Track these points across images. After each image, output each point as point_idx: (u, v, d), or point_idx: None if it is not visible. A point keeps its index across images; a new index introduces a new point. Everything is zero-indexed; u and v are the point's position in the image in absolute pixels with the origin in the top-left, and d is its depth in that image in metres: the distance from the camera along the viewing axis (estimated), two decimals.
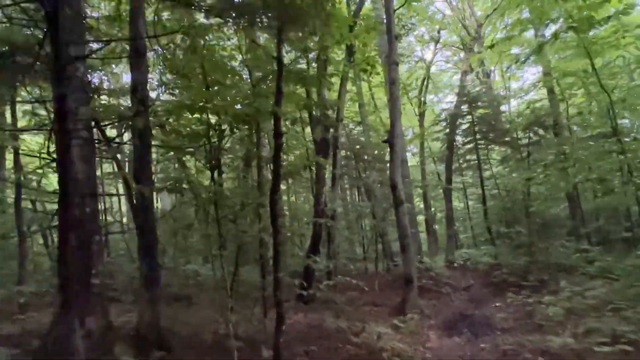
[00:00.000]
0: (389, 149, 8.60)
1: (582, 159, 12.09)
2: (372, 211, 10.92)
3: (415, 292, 8.06)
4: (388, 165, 8.78)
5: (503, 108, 15.84)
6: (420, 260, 11.75)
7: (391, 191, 8.35)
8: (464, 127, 14.61)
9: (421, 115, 17.75)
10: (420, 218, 18.41)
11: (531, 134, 14.10)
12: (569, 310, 6.55)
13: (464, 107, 14.29)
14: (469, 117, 14.68)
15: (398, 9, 12.51)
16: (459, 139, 15.28)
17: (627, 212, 15.23)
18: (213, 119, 6.06)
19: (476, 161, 14.24)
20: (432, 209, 22.86)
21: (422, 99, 17.32)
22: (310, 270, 8.21)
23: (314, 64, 9.15)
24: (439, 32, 18.43)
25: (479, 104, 14.06)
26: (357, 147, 11.88)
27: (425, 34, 18.34)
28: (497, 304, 8.32)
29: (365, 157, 11.40)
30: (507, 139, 14.22)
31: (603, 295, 6.92)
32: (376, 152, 12.57)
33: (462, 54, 18.38)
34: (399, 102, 9.10)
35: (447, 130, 14.92)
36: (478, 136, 14.00)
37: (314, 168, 9.64)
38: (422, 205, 19.00)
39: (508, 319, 7.06)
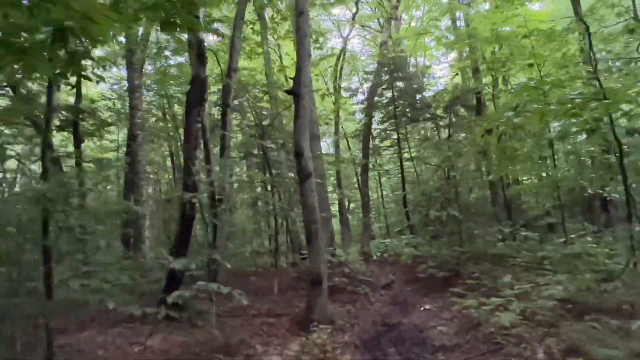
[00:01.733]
0: (293, 104, 6.29)
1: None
2: (277, 188, 8.52)
3: (324, 295, 5.89)
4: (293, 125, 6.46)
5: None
6: (332, 253, 9.74)
7: (295, 159, 6.09)
8: (384, 99, 12.89)
9: (336, 90, 15.81)
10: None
11: (452, 115, 12.88)
12: (528, 317, 4.84)
13: (385, 77, 12.55)
14: (388, 92, 13.05)
15: None
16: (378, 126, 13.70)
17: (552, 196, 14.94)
18: None
19: (396, 140, 12.63)
20: (346, 200, 21.43)
21: (339, 70, 15.36)
22: (177, 273, 5.65)
23: None
24: (356, 3, 16.66)
25: (400, 74, 12.41)
26: (260, 111, 9.40)
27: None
28: (427, 307, 6.50)
29: (266, 123, 8.96)
30: (427, 115, 12.82)
31: (558, 294, 5.38)
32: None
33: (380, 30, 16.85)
34: (308, 39, 6.83)
35: (365, 103, 13.11)
36: (398, 111, 12.36)
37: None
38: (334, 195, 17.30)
39: (447, 331, 5.18)
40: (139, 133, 10.36)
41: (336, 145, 17.48)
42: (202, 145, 6.81)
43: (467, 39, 11.25)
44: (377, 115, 14.25)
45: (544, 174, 12.52)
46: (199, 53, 5.26)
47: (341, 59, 15.73)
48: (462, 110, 13.72)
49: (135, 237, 10.56)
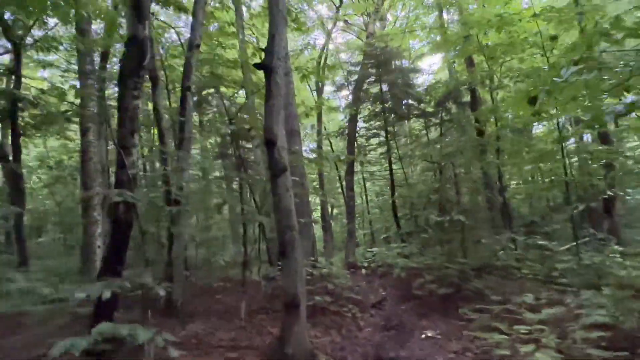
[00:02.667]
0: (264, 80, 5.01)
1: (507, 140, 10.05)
2: (250, 188, 7.18)
3: (302, 322, 4.60)
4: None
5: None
6: (313, 264, 8.47)
7: (266, 149, 4.81)
8: (371, 95, 11.73)
9: (320, 87, 14.63)
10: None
11: (443, 114, 11.83)
12: (571, 356, 3.67)
13: (372, 70, 11.41)
14: (375, 88, 11.91)
15: None
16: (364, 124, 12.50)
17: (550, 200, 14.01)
18: None
19: (383, 139, 11.48)
20: (329, 205, 20.21)
21: (322, 63, 14.17)
22: (110, 297, 4.25)
23: None
24: None
25: (389, 67, 11.28)
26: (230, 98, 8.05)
27: None
28: (429, 334, 5.28)
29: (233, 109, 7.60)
30: (417, 112, 11.72)
31: (601, 319, 4.25)
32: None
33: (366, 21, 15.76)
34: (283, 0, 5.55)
35: (351, 97, 11.93)
36: (388, 105, 11.22)
37: None
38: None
39: None
40: (89, 126, 8.91)
41: (319, 145, 16.30)
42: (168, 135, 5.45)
43: (462, 28, 10.23)
44: (363, 113, 13.12)
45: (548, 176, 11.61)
46: (135, 4, 3.94)
47: (324, 53, 14.57)
48: (454, 107, 12.71)
49: (84, 247, 9.09)
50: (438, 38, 12.98)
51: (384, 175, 21.32)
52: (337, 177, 19.59)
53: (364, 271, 8.43)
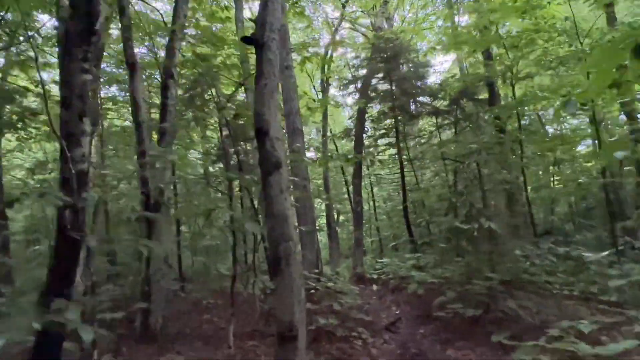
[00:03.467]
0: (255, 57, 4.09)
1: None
2: (247, 190, 6.24)
3: (301, 356, 3.63)
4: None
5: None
6: (317, 277, 7.53)
7: (256, 141, 3.89)
8: (379, 92, 10.82)
9: (326, 84, 13.76)
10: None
11: (458, 112, 10.88)
12: None
13: (380, 65, 10.50)
14: (384, 85, 11.00)
15: None
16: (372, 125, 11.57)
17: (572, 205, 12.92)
18: None
19: (394, 137, 10.54)
20: (334, 211, 19.28)
21: (328, 58, 13.30)
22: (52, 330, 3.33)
23: None
24: None
25: (401, 61, 10.37)
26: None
27: None
28: None
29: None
30: (428, 109, 10.76)
31: None
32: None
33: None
34: None
35: (358, 96, 11.02)
36: (398, 102, 10.29)
37: None
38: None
39: None
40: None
41: (324, 147, 15.38)
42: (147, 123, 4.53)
43: (479, 19, 9.30)
44: (371, 112, 12.21)
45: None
46: None
47: (330, 47, 13.70)
48: (470, 104, 11.76)
49: None
50: (446, 39, 12.10)
51: (392, 179, 20.44)
52: (344, 182, 18.69)
53: (375, 287, 7.43)
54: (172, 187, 6.05)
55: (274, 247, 3.70)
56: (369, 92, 11.01)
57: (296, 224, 8.31)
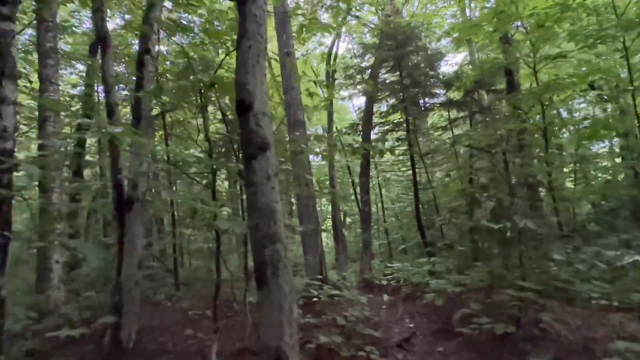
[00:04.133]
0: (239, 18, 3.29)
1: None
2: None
3: None
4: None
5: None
6: (320, 284, 6.75)
7: (237, 115, 3.10)
8: (389, 79, 10.00)
9: (332, 78, 12.96)
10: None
11: (473, 105, 10.02)
12: None
13: (389, 53, 9.67)
14: (395, 74, 10.16)
15: None
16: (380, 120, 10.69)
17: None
18: None
19: (404, 131, 9.70)
20: (341, 213, 18.48)
21: (333, 51, 12.52)
22: None
23: None
24: None
25: (410, 48, 9.53)
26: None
27: None
28: None
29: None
30: (442, 101, 9.90)
31: None
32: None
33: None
34: None
35: (364, 83, 10.19)
36: (410, 91, 9.46)
37: None
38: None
39: None
40: (49, 116, 7.31)
41: (329, 136, 14.57)
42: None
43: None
44: (379, 109, 11.38)
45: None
46: None
47: (335, 40, 12.91)
48: (487, 96, 10.90)
49: (39, 261, 7.46)
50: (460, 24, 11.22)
51: (401, 179, 19.55)
52: (351, 182, 17.86)
53: (386, 297, 6.56)
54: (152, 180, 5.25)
55: (258, 250, 2.89)
56: (377, 82, 10.17)
57: (298, 225, 7.51)
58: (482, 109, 10.18)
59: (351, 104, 18.42)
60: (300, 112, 8.53)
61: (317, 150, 6.12)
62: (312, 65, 17.92)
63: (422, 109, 10.60)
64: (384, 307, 6.67)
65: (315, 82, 6.19)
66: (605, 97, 8.86)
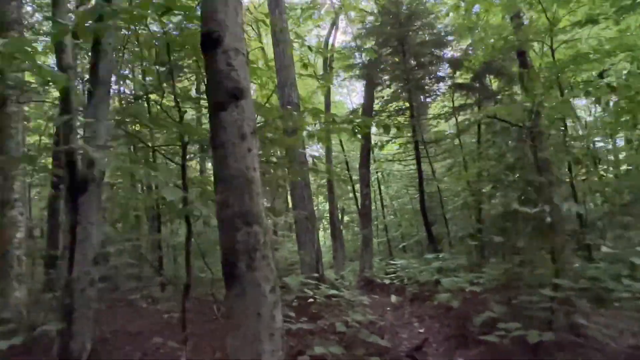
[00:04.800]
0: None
1: None
2: None
3: None
4: None
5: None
6: (317, 283, 5.98)
7: (202, 52, 2.31)
8: (391, 61, 9.22)
9: (329, 66, 12.17)
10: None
11: (480, 90, 9.27)
12: None
13: (392, 30, 8.90)
14: (398, 55, 9.36)
15: None
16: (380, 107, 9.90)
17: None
18: None
19: (408, 114, 8.92)
20: (339, 211, 17.73)
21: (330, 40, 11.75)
22: None
23: None
24: None
25: (417, 24, 8.76)
26: None
27: None
28: None
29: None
30: (445, 85, 9.13)
31: None
32: None
33: None
34: None
35: (363, 66, 9.40)
36: (415, 73, 8.69)
37: None
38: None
39: None
40: (9, 94, 6.45)
41: (327, 149, 13.80)
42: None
43: None
44: (380, 93, 10.59)
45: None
46: None
47: (334, 24, 12.12)
48: (495, 80, 10.14)
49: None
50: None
51: (400, 176, 18.77)
52: (349, 178, 17.08)
53: (394, 298, 5.71)
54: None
55: (227, 234, 2.09)
56: (379, 61, 9.38)
57: (288, 214, 6.73)
58: (491, 94, 9.43)
59: (349, 99, 17.51)
60: (295, 93, 7.75)
61: (313, 130, 5.35)
62: (309, 58, 17.14)
63: (427, 95, 9.82)
64: (389, 308, 5.88)
65: (310, 48, 5.38)
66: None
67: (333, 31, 13.50)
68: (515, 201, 3.57)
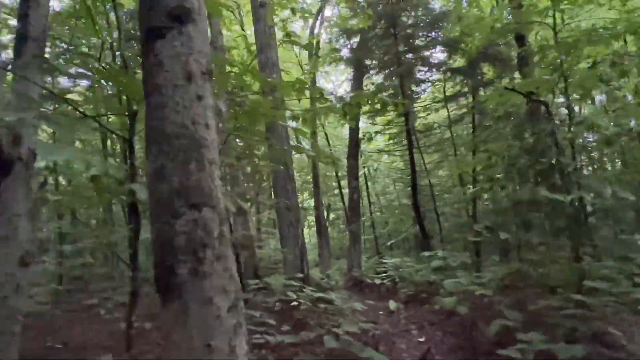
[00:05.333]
0: None
1: None
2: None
3: None
4: None
5: None
6: (301, 284, 5.33)
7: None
8: (381, 44, 8.56)
9: (316, 53, 11.43)
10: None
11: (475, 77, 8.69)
12: None
13: (381, 12, 8.23)
14: (388, 39, 8.71)
15: None
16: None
17: None
18: None
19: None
20: (324, 207, 17.08)
21: (319, 23, 11.02)
22: None
23: None
24: None
25: (409, 3, 8.10)
26: None
27: None
28: None
29: None
30: (441, 69, 8.50)
31: None
32: None
33: None
34: None
35: (351, 49, 8.71)
36: (403, 57, 8.04)
37: None
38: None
39: None
40: None
41: (312, 132, 13.06)
42: None
43: None
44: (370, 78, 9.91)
45: None
46: None
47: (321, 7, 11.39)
48: (490, 69, 9.58)
49: None
50: None
51: (389, 172, 18.18)
52: (335, 174, 16.39)
53: (393, 304, 4.96)
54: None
55: (161, 222, 1.37)
56: (367, 46, 8.70)
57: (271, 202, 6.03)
58: (487, 82, 8.87)
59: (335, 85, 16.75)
60: (277, 75, 7.03)
61: (297, 111, 4.64)
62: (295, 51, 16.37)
63: (420, 81, 9.20)
64: (382, 312, 5.22)
65: (288, 34, 4.65)
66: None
67: (319, 17, 12.77)
68: (543, 188, 2.93)
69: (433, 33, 8.29)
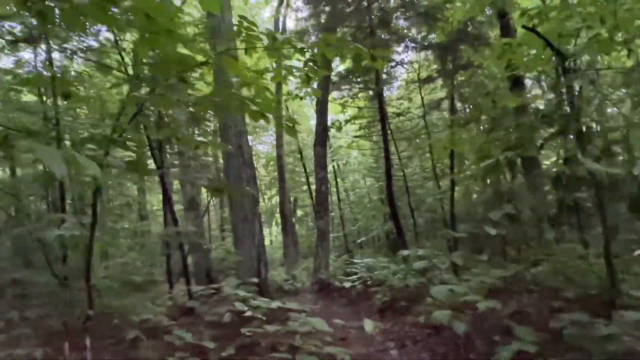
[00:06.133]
0: None
1: None
2: None
3: None
4: None
5: None
6: (256, 290, 4.34)
7: None
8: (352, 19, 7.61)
9: (283, 28, 10.38)
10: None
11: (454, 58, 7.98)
12: None
13: None
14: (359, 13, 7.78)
15: None
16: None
17: None
18: None
19: (372, 85, 7.37)
20: (291, 201, 16.10)
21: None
22: None
23: None
24: None
25: None
26: None
27: None
28: None
29: None
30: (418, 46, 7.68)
31: None
32: None
33: None
34: None
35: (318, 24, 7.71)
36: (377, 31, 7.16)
37: None
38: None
39: None
40: None
41: (278, 136, 12.04)
42: None
43: None
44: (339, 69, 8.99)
45: None
46: None
47: None
48: (470, 51, 8.84)
49: None
50: None
51: (359, 167, 17.34)
52: (302, 165, 15.37)
53: (370, 325, 3.88)
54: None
55: None
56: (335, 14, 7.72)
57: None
58: (466, 64, 8.11)
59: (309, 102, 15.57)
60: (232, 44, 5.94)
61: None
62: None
63: (395, 63, 8.34)
64: (352, 326, 4.26)
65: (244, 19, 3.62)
66: None
67: (283, 9, 11.57)
68: (588, 159, 2.07)
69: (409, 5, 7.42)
